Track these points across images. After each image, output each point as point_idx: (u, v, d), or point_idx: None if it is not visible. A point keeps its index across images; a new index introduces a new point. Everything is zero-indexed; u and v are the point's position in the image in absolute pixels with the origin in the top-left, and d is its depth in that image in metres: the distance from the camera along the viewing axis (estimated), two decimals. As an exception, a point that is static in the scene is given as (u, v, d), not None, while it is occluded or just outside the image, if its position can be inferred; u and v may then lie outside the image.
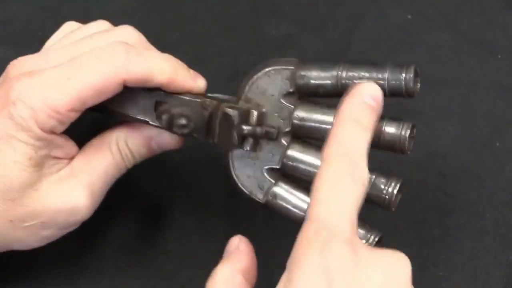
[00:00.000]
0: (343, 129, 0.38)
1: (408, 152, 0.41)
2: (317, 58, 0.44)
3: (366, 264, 0.34)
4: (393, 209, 0.42)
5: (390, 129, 0.41)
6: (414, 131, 0.42)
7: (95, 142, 0.45)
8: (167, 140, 0.46)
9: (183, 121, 0.42)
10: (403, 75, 0.40)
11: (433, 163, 0.55)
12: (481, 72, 0.59)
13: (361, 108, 0.39)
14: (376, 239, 0.41)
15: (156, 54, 0.45)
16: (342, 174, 0.36)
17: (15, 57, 0.60)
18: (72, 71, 0.41)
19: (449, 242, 0.51)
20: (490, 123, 0.56)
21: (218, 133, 0.43)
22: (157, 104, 0.44)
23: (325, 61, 0.42)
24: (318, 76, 0.42)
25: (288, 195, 0.43)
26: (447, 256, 0.50)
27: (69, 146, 0.44)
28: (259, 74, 0.43)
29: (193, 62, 0.60)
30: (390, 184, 0.41)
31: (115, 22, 0.62)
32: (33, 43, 0.61)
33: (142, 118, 0.44)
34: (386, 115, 0.41)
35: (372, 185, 0.41)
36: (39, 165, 0.42)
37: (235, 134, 0.42)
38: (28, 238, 0.43)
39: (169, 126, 0.43)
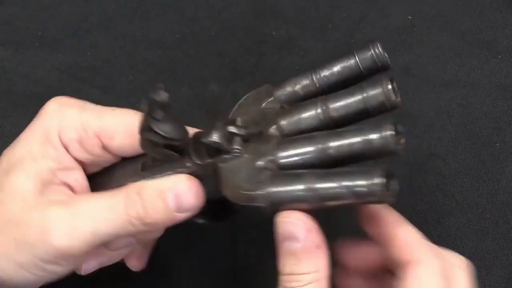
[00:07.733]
0: None
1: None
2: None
3: None
4: (401, 152, 0.37)
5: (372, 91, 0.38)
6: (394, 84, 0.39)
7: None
8: (184, 187, 0.38)
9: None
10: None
11: (433, 164, 0.54)
12: (481, 72, 0.59)
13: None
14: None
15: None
16: None
17: (15, 57, 0.61)
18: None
19: (449, 242, 0.51)
20: (490, 123, 0.56)
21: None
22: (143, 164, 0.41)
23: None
24: (294, 81, 0.42)
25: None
26: (447, 256, 0.50)
27: (81, 176, 0.41)
28: (241, 100, 0.43)
29: (193, 62, 0.61)
30: (385, 128, 0.37)
31: (115, 22, 0.62)
32: (33, 43, 0.61)
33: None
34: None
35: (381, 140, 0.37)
36: (41, 175, 0.39)
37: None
38: (3, 265, 0.38)
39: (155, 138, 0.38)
